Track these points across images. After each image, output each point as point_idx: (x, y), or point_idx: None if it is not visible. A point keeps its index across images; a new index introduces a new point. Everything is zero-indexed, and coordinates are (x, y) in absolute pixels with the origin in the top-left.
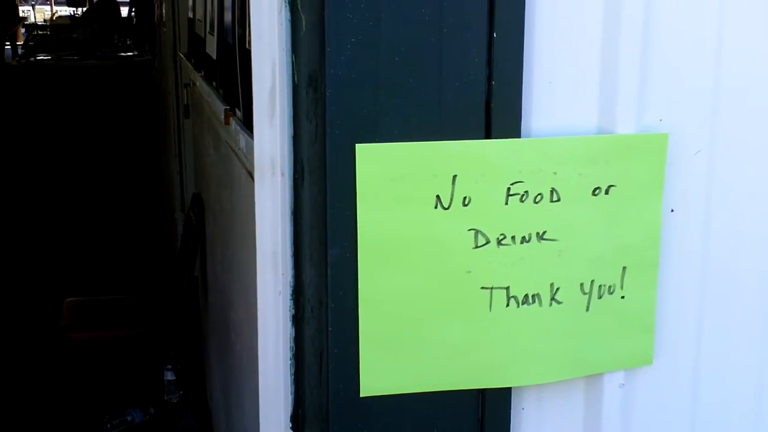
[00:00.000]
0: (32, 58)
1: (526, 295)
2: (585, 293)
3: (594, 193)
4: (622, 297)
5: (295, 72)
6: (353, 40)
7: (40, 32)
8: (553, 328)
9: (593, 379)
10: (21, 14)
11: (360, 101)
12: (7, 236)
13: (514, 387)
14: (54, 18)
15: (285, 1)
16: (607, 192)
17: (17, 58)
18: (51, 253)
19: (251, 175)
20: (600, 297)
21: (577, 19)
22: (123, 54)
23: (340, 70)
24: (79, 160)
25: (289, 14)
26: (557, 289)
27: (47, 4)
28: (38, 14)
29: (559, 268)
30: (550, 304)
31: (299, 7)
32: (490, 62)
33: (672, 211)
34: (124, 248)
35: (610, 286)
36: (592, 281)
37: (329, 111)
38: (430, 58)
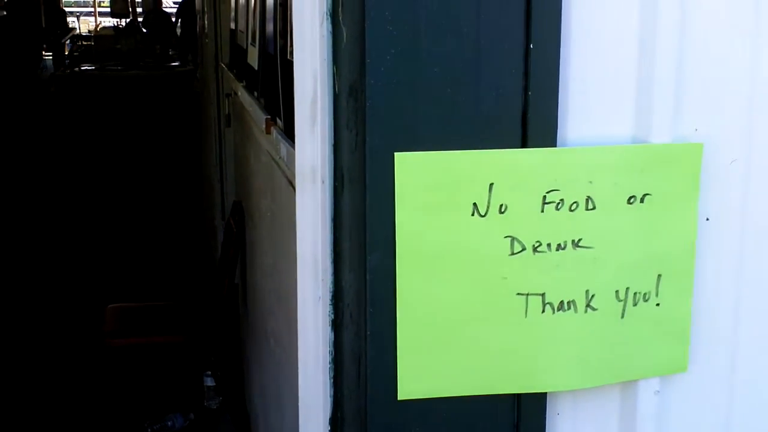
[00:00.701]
0: (77, 68)
1: (562, 302)
2: (620, 300)
3: (629, 202)
4: (657, 304)
5: (336, 82)
6: (393, 51)
7: (84, 43)
8: (588, 335)
9: (628, 385)
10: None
11: (399, 111)
12: (51, 242)
13: (550, 392)
14: (98, 29)
15: (326, 14)
16: (642, 200)
17: (62, 68)
18: (93, 259)
19: (291, 184)
20: (635, 304)
21: (613, 30)
22: (166, 64)
23: (379, 80)
24: (121, 168)
25: (330, 26)
26: (592, 296)
27: (92, 16)
28: (83, 25)
29: (594, 275)
30: (586, 311)
31: (340, 19)
32: (526, 73)
33: (707, 219)
34: (165, 255)
35: (645, 294)
36: (627, 288)
37: (369, 120)
38: (468, 70)
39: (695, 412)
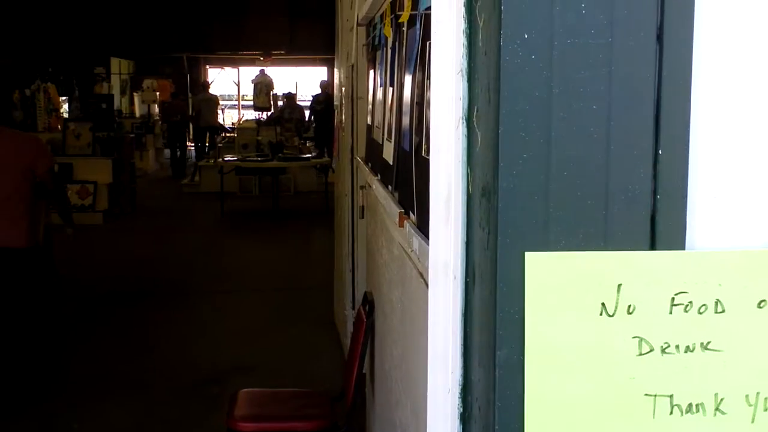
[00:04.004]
0: (220, 158)
1: (690, 404)
2: (750, 405)
3: (759, 306)
4: None
5: (469, 183)
6: (525, 156)
7: (227, 135)
8: None
9: None
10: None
11: (530, 212)
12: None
13: None
14: (240, 122)
15: (462, 119)
16: None
17: (206, 158)
18: (225, 339)
19: (422, 277)
20: (766, 409)
21: (742, 134)
22: (302, 155)
23: (511, 183)
24: (256, 251)
25: (465, 130)
26: (722, 399)
27: (235, 108)
28: (227, 117)
29: (723, 378)
30: (715, 414)
31: (475, 124)
32: (655, 177)
33: None
34: (295, 341)
35: None
36: (758, 393)
37: (500, 220)
38: (597, 173)
39: None
